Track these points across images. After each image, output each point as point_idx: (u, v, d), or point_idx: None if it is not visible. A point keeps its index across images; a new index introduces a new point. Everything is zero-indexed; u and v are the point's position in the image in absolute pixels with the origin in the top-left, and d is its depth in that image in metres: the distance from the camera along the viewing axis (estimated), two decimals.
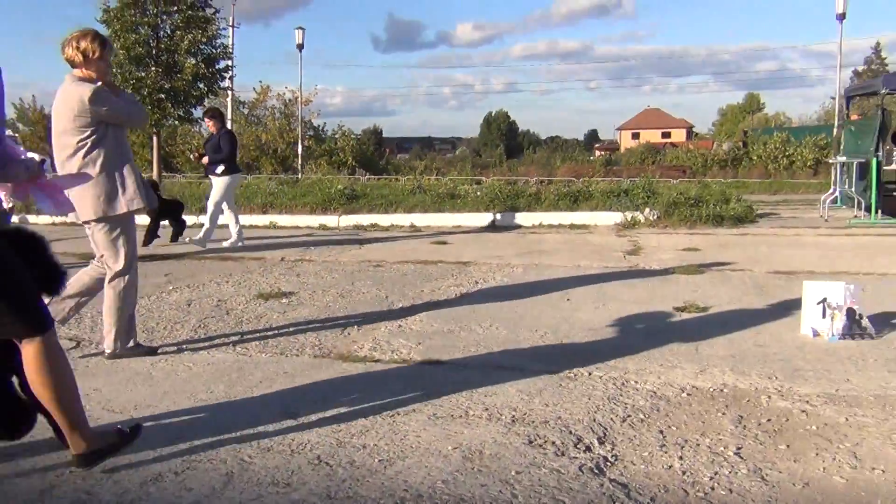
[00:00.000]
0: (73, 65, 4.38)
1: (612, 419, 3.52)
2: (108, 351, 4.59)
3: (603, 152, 63.80)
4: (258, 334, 5.21)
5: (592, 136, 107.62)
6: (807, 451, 3.14)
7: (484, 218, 12.74)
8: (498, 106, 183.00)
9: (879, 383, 3.97)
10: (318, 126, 37.77)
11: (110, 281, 4.52)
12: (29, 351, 2.75)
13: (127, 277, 4.54)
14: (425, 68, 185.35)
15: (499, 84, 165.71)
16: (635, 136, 76.37)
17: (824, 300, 4.91)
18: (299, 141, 26.27)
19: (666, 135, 79.09)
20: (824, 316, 4.90)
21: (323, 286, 7.02)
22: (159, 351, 4.75)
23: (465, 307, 6.01)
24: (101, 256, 4.55)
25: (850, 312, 4.87)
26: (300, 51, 24.17)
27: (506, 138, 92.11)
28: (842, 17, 18.76)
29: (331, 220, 13.25)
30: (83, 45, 4.32)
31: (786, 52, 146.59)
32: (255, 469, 2.98)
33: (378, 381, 4.12)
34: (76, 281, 4.61)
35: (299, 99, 28.65)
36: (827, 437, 3.29)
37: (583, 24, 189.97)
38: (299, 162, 25.67)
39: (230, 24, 25.88)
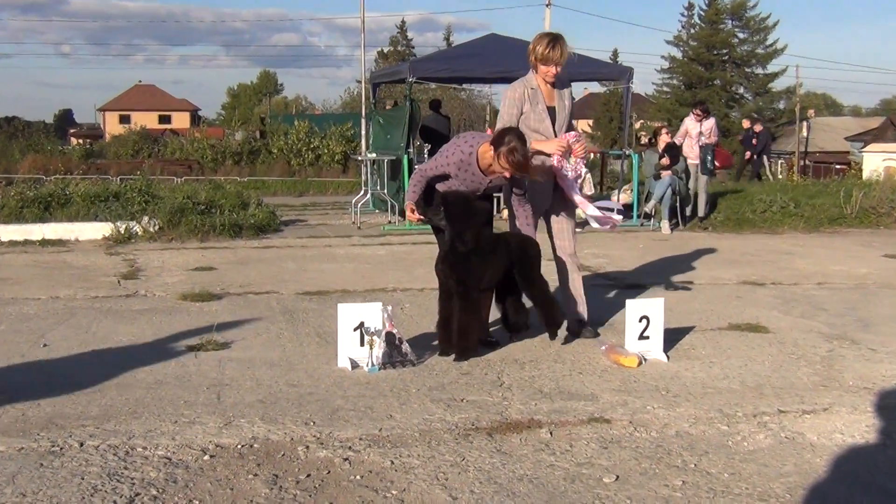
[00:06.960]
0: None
1: (114, 502, 3.46)
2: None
3: (82, 140, 61.69)
4: None
5: (66, 119, 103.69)
6: None
7: None
8: None
9: (423, 416, 4.54)
10: None
11: (576, 262, 6.36)
12: None
13: None
14: None
15: None
16: (125, 119, 75.42)
17: (361, 325, 5.43)
18: None
19: (165, 119, 79.74)
20: (362, 343, 5.42)
21: None
22: None
23: None
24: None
25: (390, 337, 5.47)
26: None
27: None
28: None
29: None
30: None
31: (308, 24, 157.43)
32: None
33: None
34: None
35: None
36: (373, 486, 3.67)
37: None
38: None
39: None
